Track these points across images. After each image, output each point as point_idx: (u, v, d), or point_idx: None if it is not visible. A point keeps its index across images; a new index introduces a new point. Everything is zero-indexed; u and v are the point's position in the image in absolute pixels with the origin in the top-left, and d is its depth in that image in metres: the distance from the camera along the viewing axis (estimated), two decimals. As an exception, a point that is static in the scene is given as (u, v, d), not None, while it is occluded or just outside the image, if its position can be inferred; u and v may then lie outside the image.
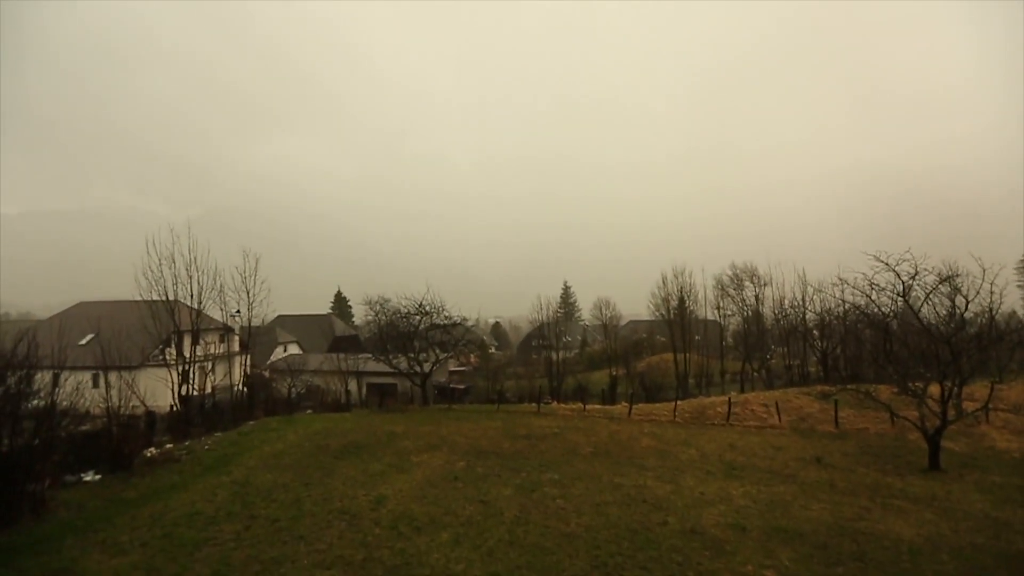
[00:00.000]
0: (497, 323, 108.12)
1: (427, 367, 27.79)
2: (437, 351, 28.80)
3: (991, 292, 15.39)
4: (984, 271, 15.15)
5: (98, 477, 13.95)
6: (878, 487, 13.02)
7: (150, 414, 19.75)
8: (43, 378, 13.18)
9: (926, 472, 14.34)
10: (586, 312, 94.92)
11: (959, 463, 15.12)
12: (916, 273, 15.60)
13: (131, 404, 17.44)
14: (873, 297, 17.21)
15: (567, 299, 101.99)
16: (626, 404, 24.90)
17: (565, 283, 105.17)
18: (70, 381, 14.29)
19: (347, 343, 54.27)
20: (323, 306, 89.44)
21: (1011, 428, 18.53)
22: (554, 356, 50.41)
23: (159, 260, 23.18)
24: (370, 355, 30.95)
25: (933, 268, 15.99)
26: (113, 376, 19.18)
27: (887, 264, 15.83)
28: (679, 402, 24.79)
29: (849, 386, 19.28)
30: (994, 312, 16.17)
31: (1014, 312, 39.70)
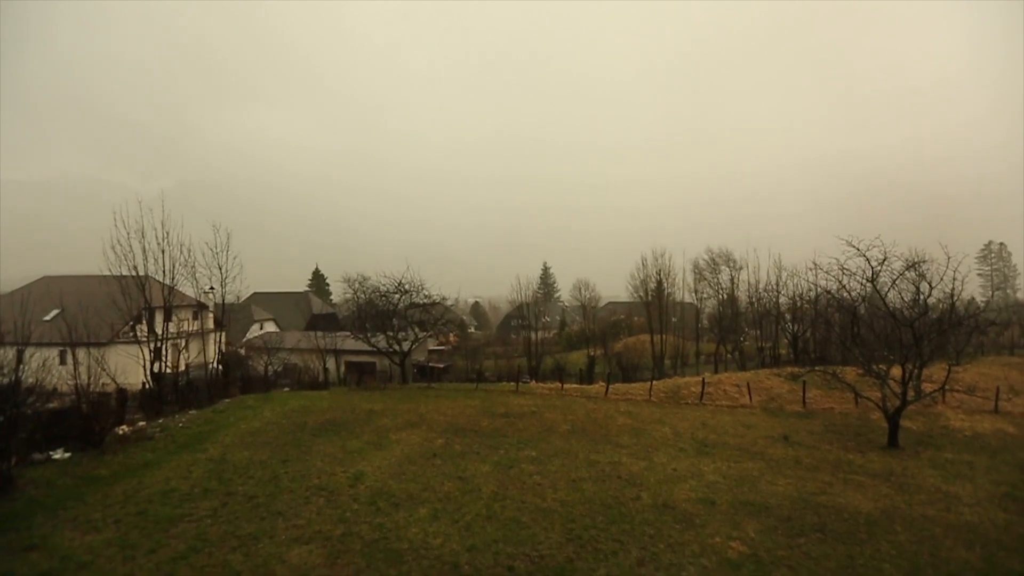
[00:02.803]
0: (477, 303, 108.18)
1: (406, 346, 27.71)
2: (416, 330, 28.69)
3: (953, 279, 16.03)
4: (948, 259, 15.76)
5: (68, 455, 13.65)
6: (840, 463, 13.65)
7: (121, 391, 19.27)
8: (6, 354, 12.75)
9: (885, 449, 15.07)
10: (565, 293, 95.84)
11: (915, 441, 15.91)
12: (885, 259, 16.14)
13: (101, 381, 16.99)
14: (844, 281, 17.75)
15: (546, 280, 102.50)
16: (603, 384, 25.35)
17: (545, 264, 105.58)
18: (36, 357, 13.84)
19: (325, 321, 53.65)
20: (300, 284, 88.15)
21: (964, 408, 19.54)
22: (533, 336, 50.73)
23: (128, 233, 22.38)
24: (348, 333, 30.70)
25: (901, 255, 16.57)
26: (81, 352, 18.64)
27: (858, 249, 16.33)
28: (655, 382, 25.35)
29: (817, 368, 19.97)
30: (955, 298, 16.83)
31: (973, 299, 41.38)
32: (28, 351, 13.79)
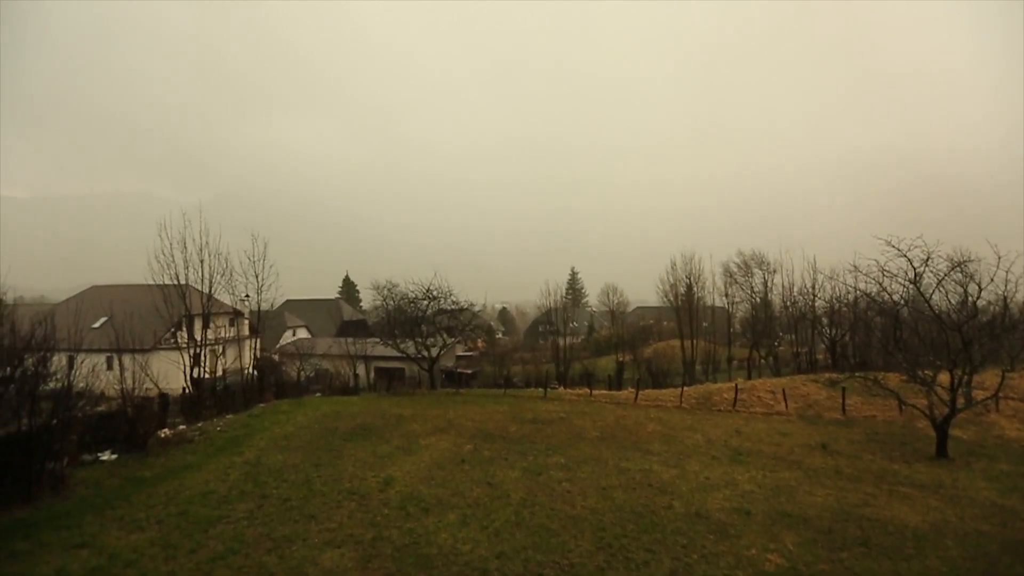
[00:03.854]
0: (504, 308, 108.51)
1: (434, 352, 27.96)
2: (444, 336, 28.93)
3: (1006, 280, 15.17)
4: (999, 258, 14.92)
5: (114, 456, 14.29)
6: (884, 474, 13.04)
7: (163, 396, 20.10)
8: (59, 360, 13.46)
9: (933, 460, 14.32)
10: (593, 298, 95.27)
11: (967, 451, 15.08)
12: (928, 259, 15.40)
13: (145, 386, 17.76)
14: (884, 284, 17.04)
15: (574, 285, 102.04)
16: (632, 390, 24.98)
17: (572, 269, 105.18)
18: (85, 363, 14.56)
19: (355, 327, 54.78)
20: (331, 291, 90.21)
21: (1020, 417, 18.42)
22: (561, 342, 50.44)
23: (171, 244, 23.38)
24: (378, 339, 31.18)
25: (946, 255, 15.78)
26: (127, 359, 19.54)
27: (898, 250, 15.63)
28: (685, 388, 24.82)
29: (857, 374, 19.20)
30: (1008, 300, 15.93)
31: (1028, 300, 39.10)
32: (79, 357, 14.51)
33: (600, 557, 8.50)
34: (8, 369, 11.47)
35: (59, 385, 12.92)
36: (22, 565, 8.35)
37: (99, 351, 22.96)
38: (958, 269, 15.61)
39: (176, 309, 24.00)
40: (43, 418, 11.80)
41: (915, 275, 15.67)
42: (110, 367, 23.18)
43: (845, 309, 34.30)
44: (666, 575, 8.02)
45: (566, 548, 8.79)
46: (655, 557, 8.52)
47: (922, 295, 16.01)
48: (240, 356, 30.43)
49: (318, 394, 27.80)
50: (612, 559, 8.45)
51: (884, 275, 16.58)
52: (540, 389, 25.98)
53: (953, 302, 16.30)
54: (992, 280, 15.23)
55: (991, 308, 16.74)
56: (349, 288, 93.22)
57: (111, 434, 14.92)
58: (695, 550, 8.76)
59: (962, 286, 15.78)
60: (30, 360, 11.90)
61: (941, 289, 15.99)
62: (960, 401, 14.71)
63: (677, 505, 10.66)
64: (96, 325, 32.11)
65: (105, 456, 14.23)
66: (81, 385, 13.83)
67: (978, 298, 15.62)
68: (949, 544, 9.15)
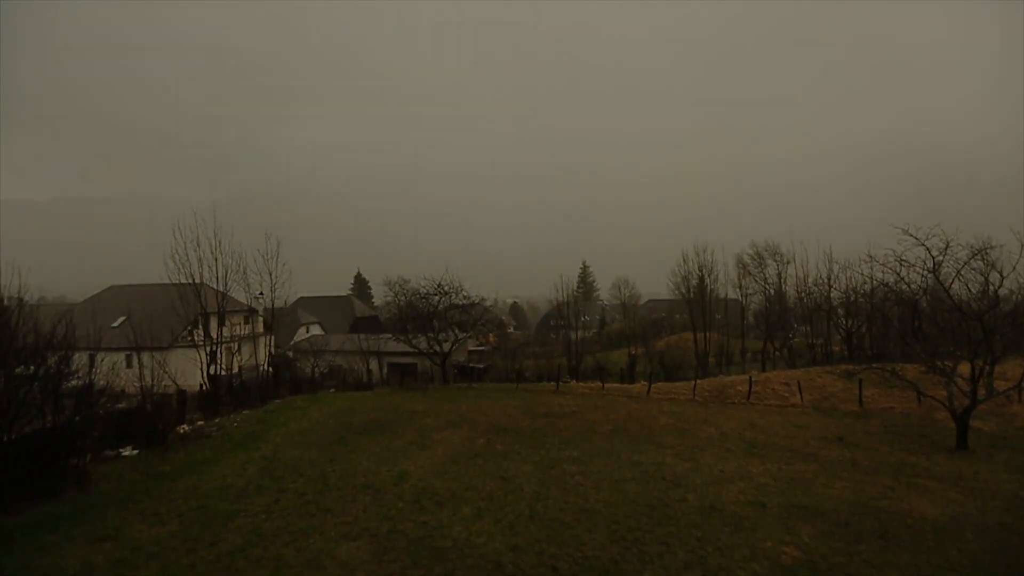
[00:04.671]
0: (515, 303, 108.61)
1: (446, 347, 28.05)
2: (456, 331, 28.99)
3: (1029, 267, 14.80)
4: (1022, 246, 14.55)
5: (135, 452, 14.59)
6: (902, 466, 12.85)
7: (181, 392, 20.44)
8: (80, 359, 13.76)
9: (953, 452, 14.08)
10: (605, 292, 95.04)
11: (988, 443, 14.80)
12: (947, 247, 15.06)
13: (163, 383, 18.07)
14: (902, 273, 16.71)
15: (585, 279, 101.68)
16: (645, 383, 24.88)
17: (584, 263, 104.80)
18: (105, 361, 14.86)
19: (368, 324, 55.23)
20: (343, 288, 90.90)
21: (1044, 407, 18.02)
22: (572, 335, 50.34)
23: (185, 244, 23.74)
24: (390, 335, 31.36)
25: (965, 243, 15.41)
26: (145, 356, 19.91)
27: (916, 239, 15.31)
28: (698, 381, 24.66)
29: (874, 365, 18.90)
30: (1031, 288, 15.56)
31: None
32: (99, 355, 14.81)
33: (614, 550, 8.51)
34: (32, 367, 11.75)
35: (81, 383, 13.22)
36: (49, 558, 8.58)
37: (118, 349, 23.42)
38: (979, 257, 15.26)
39: (192, 307, 24.39)
40: (66, 415, 12.08)
41: (934, 264, 15.35)
42: (129, 365, 23.65)
43: (861, 299, 33.76)
44: (681, 567, 8.01)
45: (580, 541, 8.81)
46: (669, 550, 8.50)
47: (941, 284, 15.67)
48: (255, 353, 30.86)
49: (332, 390, 28.10)
50: (626, 552, 8.45)
51: (901, 264, 16.27)
52: (552, 383, 25.97)
53: (973, 291, 15.94)
54: (1014, 268, 14.88)
55: (1013, 297, 16.34)
56: (361, 285, 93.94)
57: (131, 430, 15.22)
58: (710, 543, 8.73)
59: (983, 274, 15.42)
60: (52, 359, 12.18)
61: (961, 278, 15.63)
62: (981, 392, 14.43)
63: (691, 498, 10.61)
64: (115, 324, 32.72)
65: (126, 452, 14.54)
66: (102, 383, 14.13)
67: (1000, 286, 15.27)
68: (970, 537, 9.01)
